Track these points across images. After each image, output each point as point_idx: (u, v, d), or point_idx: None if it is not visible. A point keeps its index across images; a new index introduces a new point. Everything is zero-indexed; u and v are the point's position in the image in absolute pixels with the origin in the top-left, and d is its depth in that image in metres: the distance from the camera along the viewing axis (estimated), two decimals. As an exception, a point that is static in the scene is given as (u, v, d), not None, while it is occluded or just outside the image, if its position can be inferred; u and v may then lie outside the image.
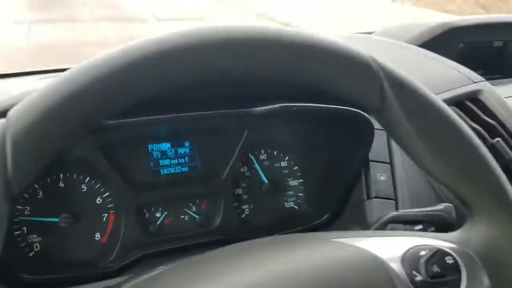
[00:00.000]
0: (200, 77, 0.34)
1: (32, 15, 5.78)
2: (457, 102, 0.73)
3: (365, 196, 0.67)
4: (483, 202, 0.39)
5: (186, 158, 0.67)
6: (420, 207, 0.55)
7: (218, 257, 0.39)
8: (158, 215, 0.65)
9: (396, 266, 0.37)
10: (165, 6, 7.24)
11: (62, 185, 0.61)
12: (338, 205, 0.71)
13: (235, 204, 0.69)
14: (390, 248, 0.39)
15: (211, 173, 0.67)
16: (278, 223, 0.71)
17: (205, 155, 0.67)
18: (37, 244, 0.60)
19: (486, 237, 0.39)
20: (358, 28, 1.28)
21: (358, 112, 0.63)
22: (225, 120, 0.65)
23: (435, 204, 0.54)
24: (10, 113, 0.32)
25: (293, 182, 0.73)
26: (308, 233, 0.44)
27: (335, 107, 0.61)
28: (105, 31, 5.18)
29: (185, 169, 0.67)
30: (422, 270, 0.37)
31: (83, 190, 0.62)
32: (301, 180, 0.73)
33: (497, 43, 1.10)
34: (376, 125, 0.64)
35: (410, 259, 0.38)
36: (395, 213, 0.52)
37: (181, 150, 0.67)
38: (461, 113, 0.73)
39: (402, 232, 0.48)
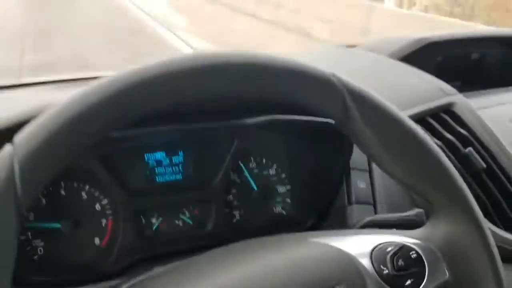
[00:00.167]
0: (184, 99, 0.39)
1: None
2: (432, 114, 0.78)
3: (346, 202, 0.71)
4: (441, 200, 0.43)
5: (180, 166, 0.70)
6: (396, 212, 0.60)
7: (200, 260, 0.43)
8: (153, 220, 0.69)
9: (365, 262, 0.41)
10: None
11: (63, 193, 0.65)
12: (323, 210, 0.75)
13: (226, 210, 0.73)
14: (360, 245, 0.43)
15: (203, 181, 0.71)
16: (267, 227, 0.74)
17: (198, 163, 0.71)
18: (41, 248, 0.63)
19: (446, 233, 0.43)
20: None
21: None
22: (217, 131, 0.69)
23: (409, 209, 0.59)
24: (17, 140, 0.35)
25: (281, 189, 0.77)
26: (289, 234, 0.47)
27: (318, 120, 0.66)
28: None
29: (179, 176, 0.70)
30: (389, 265, 0.41)
31: (83, 198, 0.65)
32: (289, 187, 0.77)
33: (475, 56, 1.15)
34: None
35: (378, 255, 0.42)
36: (371, 218, 0.57)
37: (175, 159, 0.70)
38: (437, 125, 0.77)
39: (371, 230, 0.51)
